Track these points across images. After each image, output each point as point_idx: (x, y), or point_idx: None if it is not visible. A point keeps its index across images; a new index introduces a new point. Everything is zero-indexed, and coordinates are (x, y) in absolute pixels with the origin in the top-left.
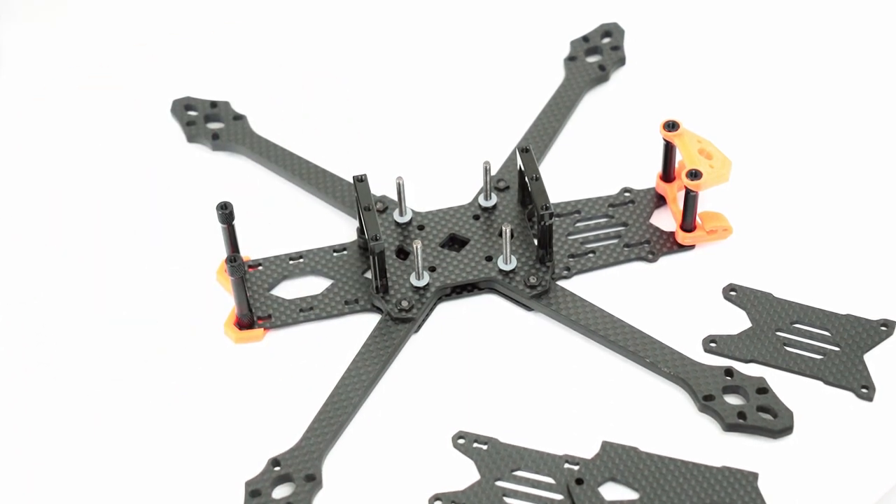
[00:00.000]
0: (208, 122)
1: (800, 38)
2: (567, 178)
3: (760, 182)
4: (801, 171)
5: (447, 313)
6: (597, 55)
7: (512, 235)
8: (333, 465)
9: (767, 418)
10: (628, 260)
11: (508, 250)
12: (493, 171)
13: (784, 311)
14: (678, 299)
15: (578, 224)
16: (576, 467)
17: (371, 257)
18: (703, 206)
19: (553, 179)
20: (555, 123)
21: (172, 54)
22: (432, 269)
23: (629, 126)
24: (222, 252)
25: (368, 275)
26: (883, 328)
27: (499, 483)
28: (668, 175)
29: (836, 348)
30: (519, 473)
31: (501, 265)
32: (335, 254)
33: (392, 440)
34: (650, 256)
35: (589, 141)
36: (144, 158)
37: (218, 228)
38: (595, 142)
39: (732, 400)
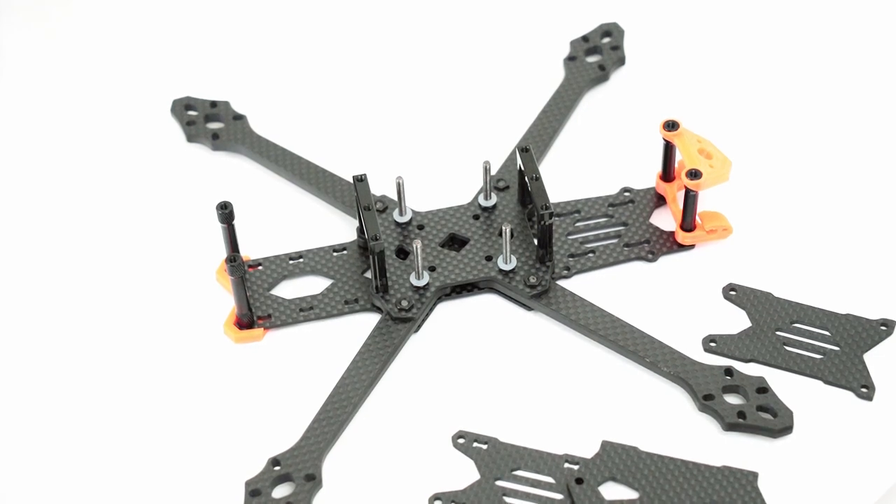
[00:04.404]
0: (208, 122)
1: (800, 38)
2: (567, 177)
3: (760, 182)
4: (801, 171)
5: (447, 313)
6: (597, 55)
7: (512, 235)
8: (333, 465)
9: (767, 418)
10: (628, 260)
11: (508, 250)
12: (493, 171)
13: (784, 311)
14: (678, 299)
15: (578, 224)
16: (576, 467)
17: (371, 257)
18: (702, 205)
19: (553, 179)
20: (555, 123)
21: (172, 54)
22: (432, 269)
23: (629, 126)
24: (222, 252)
25: (368, 274)
26: (883, 328)
27: (499, 483)
28: (667, 175)
29: (836, 348)
30: (519, 473)
31: (501, 265)
32: (335, 253)
33: (392, 440)
34: (650, 256)
35: (589, 141)
36: (144, 158)
37: (218, 228)
38: (595, 142)
39: (732, 399)
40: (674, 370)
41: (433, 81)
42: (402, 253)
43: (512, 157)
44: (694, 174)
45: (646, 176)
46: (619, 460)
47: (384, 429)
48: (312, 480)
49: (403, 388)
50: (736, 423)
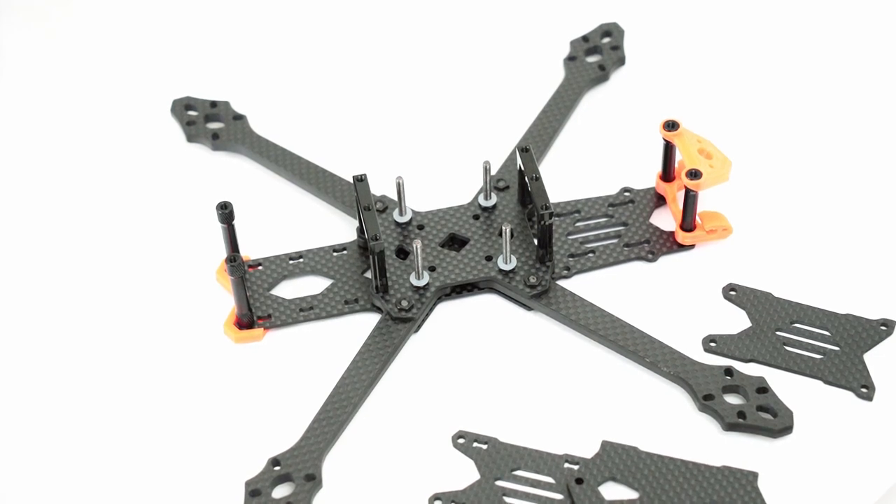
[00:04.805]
0: (208, 122)
1: (800, 38)
2: (567, 178)
3: (760, 182)
4: (801, 171)
5: (447, 313)
6: (597, 55)
7: (512, 235)
8: (333, 465)
9: (767, 418)
10: (628, 260)
11: (508, 250)
12: (493, 171)
13: (784, 311)
14: (678, 299)
15: (578, 224)
16: (576, 467)
17: (371, 257)
18: (702, 205)
19: (553, 179)
20: (555, 123)
21: (172, 54)
22: (432, 269)
23: (629, 126)
24: (222, 252)
25: (368, 274)
26: (883, 328)
27: (499, 483)
28: (667, 175)
29: (836, 348)
30: (519, 473)
31: (501, 265)
32: (335, 253)
33: (392, 440)
34: (650, 256)
35: (589, 141)
36: (144, 158)
37: (218, 228)
38: (595, 142)
39: (732, 399)
40: (674, 370)
41: (433, 81)
42: (402, 253)
43: (512, 157)
44: (694, 174)
45: (646, 176)
46: (619, 460)
47: (384, 429)
48: (312, 480)
49: (403, 388)
50: (736, 423)
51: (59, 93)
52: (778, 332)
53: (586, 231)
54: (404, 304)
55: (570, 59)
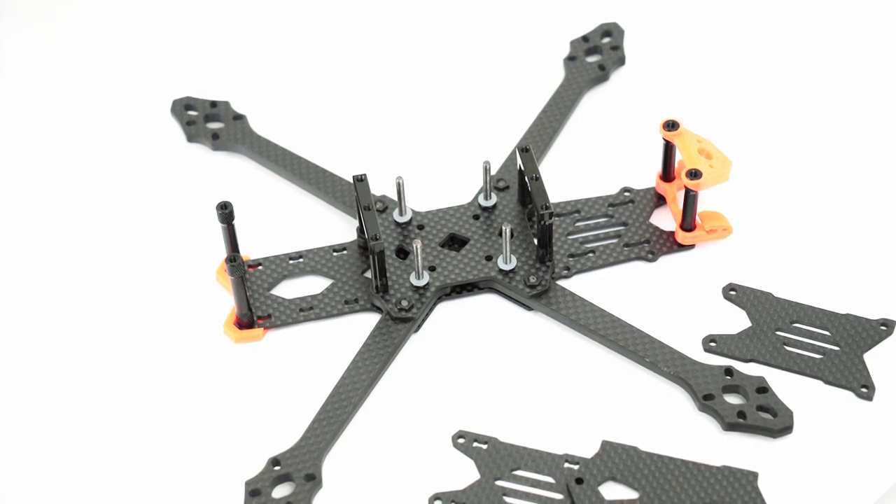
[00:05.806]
0: (208, 122)
1: (800, 38)
2: (567, 177)
3: (760, 182)
4: (801, 171)
5: (447, 313)
6: (597, 55)
7: (512, 235)
8: (333, 465)
9: (767, 418)
10: (628, 259)
11: (508, 250)
12: (493, 171)
13: (784, 311)
14: (678, 299)
15: (578, 224)
16: (576, 467)
17: (371, 257)
18: (702, 205)
19: (553, 179)
20: (555, 123)
21: (172, 54)
22: (432, 269)
23: (629, 126)
24: (222, 252)
25: (368, 274)
26: (883, 328)
27: (499, 482)
28: (667, 175)
29: (836, 348)
30: (519, 473)
31: (501, 265)
32: (335, 253)
33: (392, 440)
34: (650, 256)
35: (589, 141)
36: (144, 158)
37: (218, 228)
38: (595, 142)
39: (732, 399)
40: (674, 370)
41: (433, 81)
42: (402, 253)
43: (512, 157)
44: (694, 174)
45: (646, 176)
46: (619, 460)
47: (384, 429)
48: (312, 480)
49: (403, 388)
50: (736, 423)
51: (59, 93)
52: (778, 332)
53: (586, 231)
54: (404, 304)
55: (570, 59)
